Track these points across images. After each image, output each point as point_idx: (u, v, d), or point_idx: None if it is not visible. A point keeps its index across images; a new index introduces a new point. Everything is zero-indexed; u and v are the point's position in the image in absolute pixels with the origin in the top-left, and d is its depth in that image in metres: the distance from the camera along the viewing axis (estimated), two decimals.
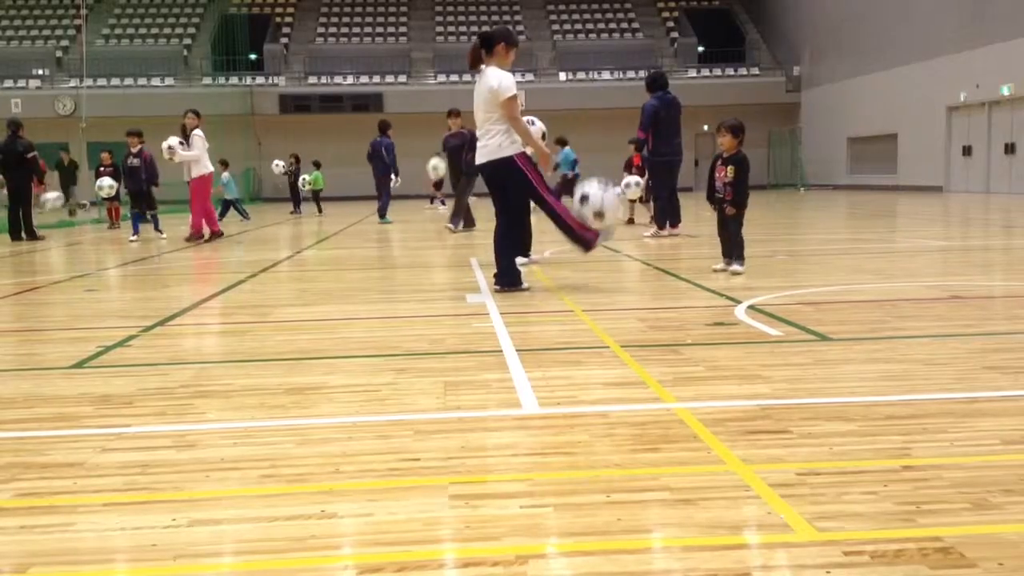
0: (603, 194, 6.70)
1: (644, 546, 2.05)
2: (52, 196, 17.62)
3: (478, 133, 6.45)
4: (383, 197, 16.88)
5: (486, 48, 6.37)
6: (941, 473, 2.44)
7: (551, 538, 2.09)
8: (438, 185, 21.03)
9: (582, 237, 6.53)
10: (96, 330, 5.34)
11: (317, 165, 22.78)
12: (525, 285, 6.43)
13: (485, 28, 40.74)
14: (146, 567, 1.99)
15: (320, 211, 21.30)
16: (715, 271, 7.16)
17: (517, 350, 4.24)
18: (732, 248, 7.06)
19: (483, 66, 6.38)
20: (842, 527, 2.08)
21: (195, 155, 12.63)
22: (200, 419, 3.21)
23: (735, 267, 6.98)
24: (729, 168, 6.99)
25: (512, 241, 6.55)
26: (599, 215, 6.67)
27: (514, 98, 6.26)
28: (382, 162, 16.72)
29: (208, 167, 12.88)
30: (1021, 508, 2.18)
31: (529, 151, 6.54)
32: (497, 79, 6.25)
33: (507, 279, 6.41)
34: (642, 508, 2.25)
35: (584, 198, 6.72)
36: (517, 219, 6.57)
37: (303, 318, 5.81)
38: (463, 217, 13.30)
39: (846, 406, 3.13)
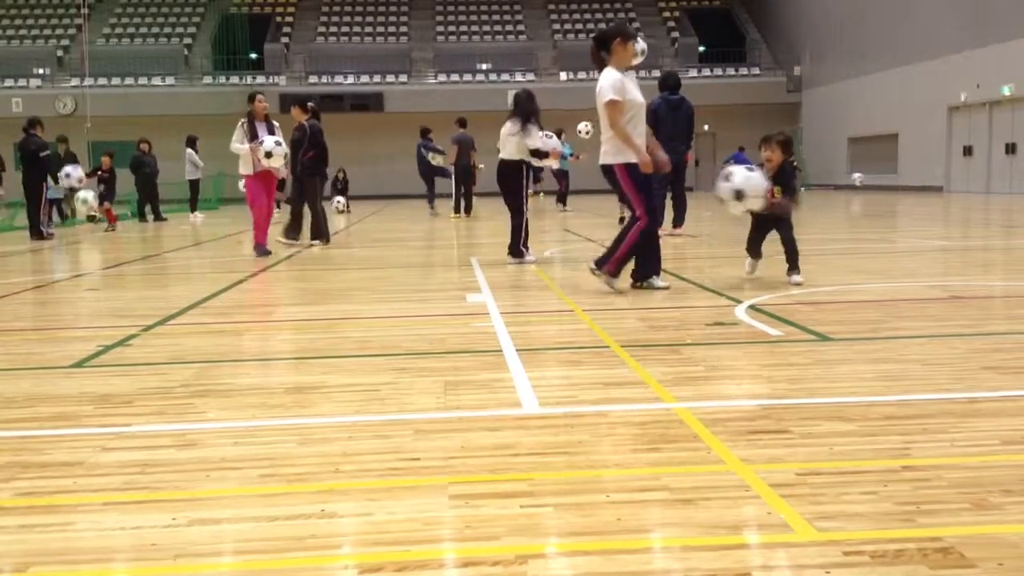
0: (747, 176, 6.27)
1: (644, 546, 2.05)
2: (86, 195, 16.00)
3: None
4: (428, 192, 19.55)
5: (604, 49, 6.17)
6: (941, 473, 2.44)
7: (551, 538, 2.09)
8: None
9: (609, 260, 6.17)
10: (96, 330, 5.34)
11: None
12: (661, 283, 6.27)
13: (486, 28, 40.83)
14: (146, 567, 1.99)
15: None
16: (748, 275, 6.63)
17: (517, 350, 4.23)
18: (792, 259, 6.43)
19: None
20: (842, 527, 2.08)
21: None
22: (200, 419, 3.21)
23: (795, 278, 6.34)
24: (776, 188, 6.37)
25: (648, 238, 6.21)
26: (739, 195, 6.20)
27: (615, 103, 5.99)
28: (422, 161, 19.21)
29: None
30: (1021, 508, 2.18)
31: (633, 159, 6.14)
32: (600, 82, 6.12)
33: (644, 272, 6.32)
34: (642, 508, 2.25)
35: (728, 176, 6.30)
36: (644, 211, 6.14)
37: (303, 318, 5.81)
38: (293, 226, 11.40)
39: (846, 406, 3.13)
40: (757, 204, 6.29)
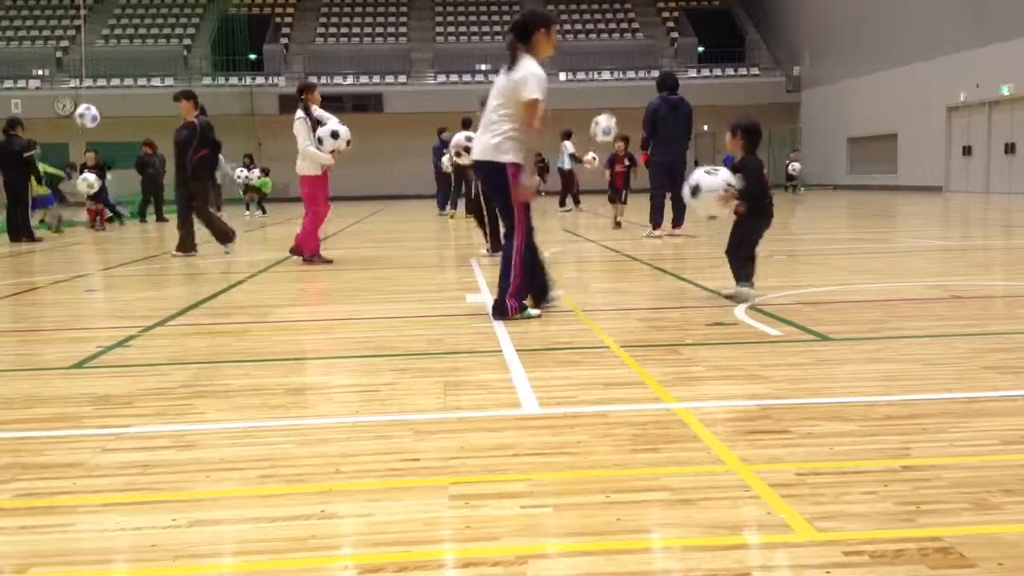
0: (709, 178, 5.62)
1: (644, 546, 2.05)
2: (91, 178, 16.53)
3: (481, 124, 5.50)
4: (439, 193, 19.93)
5: (522, 40, 5.33)
6: (941, 473, 2.43)
7: (551, 538, 2.09)
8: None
9: (505, 297, 5.25)
10: (96, 330, 5.33)
11: (265, 172, 22.74)
12: (536, 312, 5.35)
13: (485, 28, 40.76)
14: (146, 567, 1.99)
15: (264, 213, 21.52)
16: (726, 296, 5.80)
17: (517, 350, 4.23)
18: (731, 264, 5.78)
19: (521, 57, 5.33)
20: (842, 527, 2.08)
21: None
22: (200, 419, 3.20)
23: (733, 289, 5.71)
24: (736, 177, 5.64)
25: (532, 250, 5.43)
26: (695, 191, 5.61)
27: (537, 103, 5.19)
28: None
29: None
30: (1021, 508, 2.18)
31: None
32: (524, 72, 5.20)
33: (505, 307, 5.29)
34: (642, 508, 2.25)
35: (695, 190, 5.65)
36: (524, 220, 5.38)
37: (303, 318, 5.81)
38: (186, 239, 10.23)
39: (846, 406, 3.13)
40: (712, 205, 5.62)
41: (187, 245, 10.28)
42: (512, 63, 5.36)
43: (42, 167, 15.42)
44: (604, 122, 14.45)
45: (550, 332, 4.85)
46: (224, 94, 33.05)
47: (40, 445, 2.92)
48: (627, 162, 13.88)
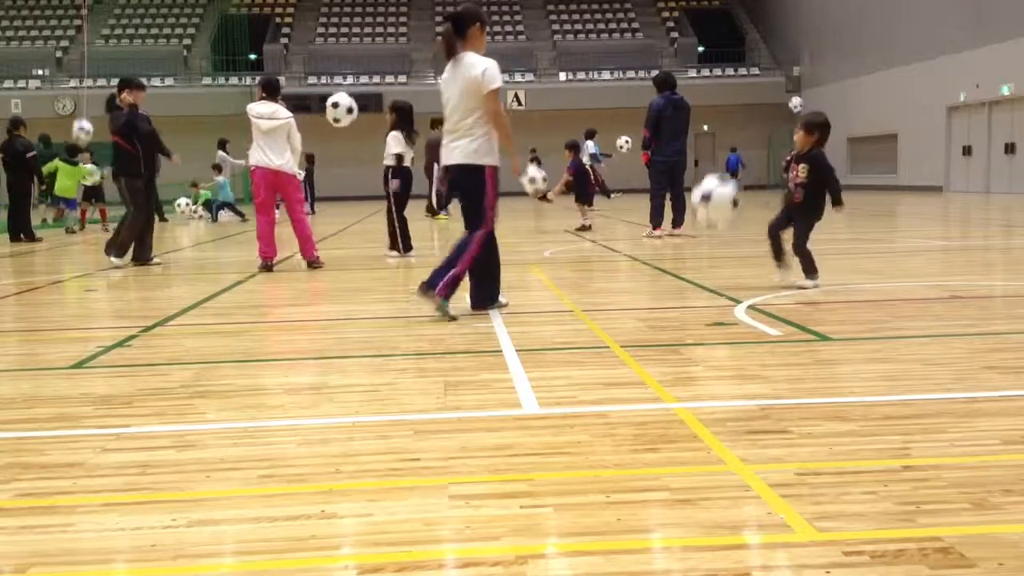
0: (718, 189, 6.33)
1: (644, 546, 2.05)
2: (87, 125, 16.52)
3: (447, 130, 5.46)
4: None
5: (459, 33, 5.38)
6: (941, 473, 2.43)
7: (551, 538, 2.09)
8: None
9: (440, 279, 5.24)
10: (96, 330, 5.34)
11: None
12: (503, 300, 5.60)
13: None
14: (146, 567, 1.99)
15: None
16: (782, 285, 6.20)
17: (517, 350, 4.23)
18: (801, 262, 6.21)
19: (458, 54, 5.40)
20: (842, 527, 2.08)
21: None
22: (200, 419, 3.20)
23: (804, 282, 6.13)
24: (801, 167, 6.15)
25: (489, 252, 5.49)
26: (706, 198, 6.32)
27: (498, 91, 5.30)
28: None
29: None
30: (1021, 508, 2.18)
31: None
32: (482, 66, 5.26)
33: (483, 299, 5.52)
34: (642, 508, 2.25)
35: (706, 197, 6.31)
36: (492, 224, 5.50)
37: (303, 318, 5.80)
38: (123, 246, 9.23)
39: (846, 406, 3.13)
40: (722, 212, 6.31)
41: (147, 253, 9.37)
42: (449, 54, 5.42)
43: (82, 169, 15.75)
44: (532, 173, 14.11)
45: (550, 332, 4.85)
46: (224, 94, 33.12)
47: (40, 445, 2.92)
48: (570, 168, 13.29)
